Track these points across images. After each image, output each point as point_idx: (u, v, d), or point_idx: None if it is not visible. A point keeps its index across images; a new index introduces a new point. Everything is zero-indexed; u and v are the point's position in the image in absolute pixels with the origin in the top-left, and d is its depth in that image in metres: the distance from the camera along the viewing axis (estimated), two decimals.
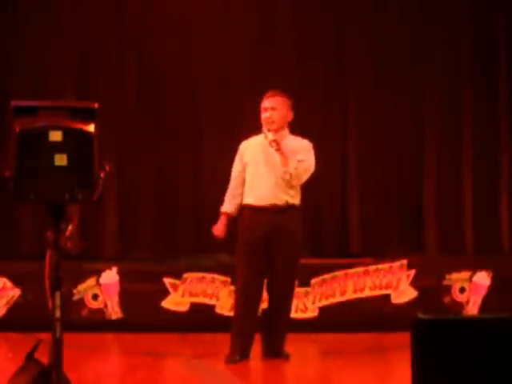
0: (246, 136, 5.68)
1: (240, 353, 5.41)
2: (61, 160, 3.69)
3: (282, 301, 5.52)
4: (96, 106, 3.71)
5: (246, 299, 5.46)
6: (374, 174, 7.17)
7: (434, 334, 2.78)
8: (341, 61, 7.20)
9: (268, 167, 5.48)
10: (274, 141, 5.39)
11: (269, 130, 5.46)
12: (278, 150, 5.38)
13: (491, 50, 7.22)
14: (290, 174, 5.40)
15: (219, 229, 5.59)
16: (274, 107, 5.49)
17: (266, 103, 5.51)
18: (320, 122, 7.07)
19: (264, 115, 5.49)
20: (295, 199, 5.51)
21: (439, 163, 7.22)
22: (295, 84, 6.89)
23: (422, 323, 2.79)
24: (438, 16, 7.18)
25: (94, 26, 7.05)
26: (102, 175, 3.75)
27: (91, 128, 3.67)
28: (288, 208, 5.46)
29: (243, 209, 5.53)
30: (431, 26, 7.18)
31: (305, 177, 5.48)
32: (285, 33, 7.15)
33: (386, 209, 7.19)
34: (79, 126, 3.66)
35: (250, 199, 5.51)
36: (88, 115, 3.70)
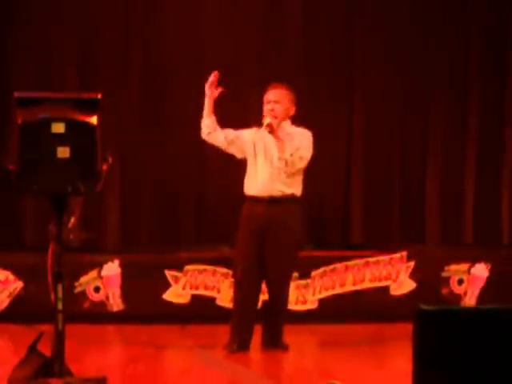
0: (251, 127, 5.67)
1: (238, 342, 5.44)
2: (63, 152, 3.70)
3: (278, 291, 5.54)
4: (99, 97, 3.72)
5: (243, 290, 5.48)
6: (376, 166, 7.19)
7: (436, 324, 2.81)
8: (348, 54, 7.19)
9: (265, 159, 5.49)
10: (269, 125, 5.39)
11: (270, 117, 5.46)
12: (272, 132, 5.37)
13: (499, 48, 7.22)
14: (286, 161, 5.40)
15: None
16: (277, 100, 5.49)
17: (270, 96, 5.53)
18: (325, 114, 7.07)
19: (266, 107, 5.51)
20: (293, 189, 5.51)
21: (441, 155, 7.24)
22: (301, 78, 6.89)
23: (425, 314, 2.82)
24: (447, 7, 7.19)
25: (97, 17, 7.04)
26: (104, 167, 3.77)
27: (94, 120, 3.69)
28: (285, 199, 5.48)
29: (244, 199, 5.55)
30: (440, 18, 7.18)
31: (299, 165, 5.45)
32: (292, 24, 7.11)
33: (387, 201, 7.21)
34: (82, 117, 3.68)
35: (248, 190, 5.54)
36: (91, 107, 3.71)
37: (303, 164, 5.47)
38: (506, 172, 7.26)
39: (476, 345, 2.80)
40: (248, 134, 5.62)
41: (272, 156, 5.48)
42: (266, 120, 5.43)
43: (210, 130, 5.61)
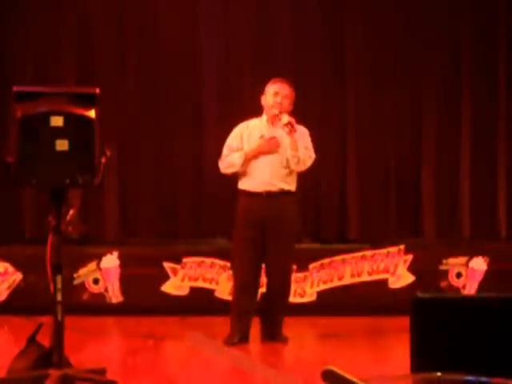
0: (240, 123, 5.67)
1: (239, 335, 5.47)
2: (62, 145, 3.73)
3: (279, 284, 5.56)
4: (97, 91, 3.75)
5: (243, 283, 5.50)
6: (372, 160, 7.19)
7: (432, 311, 2.85)
8: (339, 46, 7.20)
9: (265, 156, 5.49)
10: (289, 123, 5.38)
11: (280, 113, 5.45)
12: (291, 131, 5.37)
13: (490, 35, 7.22)
14: (298, 158, 5.42)
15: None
16: (287, 95, 5.50)
17: (279, 88, 5.50)
18: (319, 110, 7.08)
19: (275, 99, 5.47)
20: (291, 186, 5.54)
21: (437, 150, 7.25)
22: (294, 71, 6.89)
23: (421, 301, 2.85)
24: (439, 7, 7.20)
25: (94, 11, 7.06)
26: (102, 160, 3.79)
27: (92, 113, 3.71)
28: (283, 194, 5.49)
29: (238, 194, 5.56)
30: (431, 10, 7.18)
31: (308, 163, 5.50)
32: (283, 19, 7.14)
33: (384, 195, 7.22)
34: (80, 111, 3.70)
35: (245, 185, 5.53)
36: (89, 101, 3.73)
37: (310, 163, 5.51)
38: (501, 165, 7.26)
39: (472, 332, 2.83)
40: (237, 142, 5.54)
41: (274, 152, 5.46)
42: (284, 119, 5.39)
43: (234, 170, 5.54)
